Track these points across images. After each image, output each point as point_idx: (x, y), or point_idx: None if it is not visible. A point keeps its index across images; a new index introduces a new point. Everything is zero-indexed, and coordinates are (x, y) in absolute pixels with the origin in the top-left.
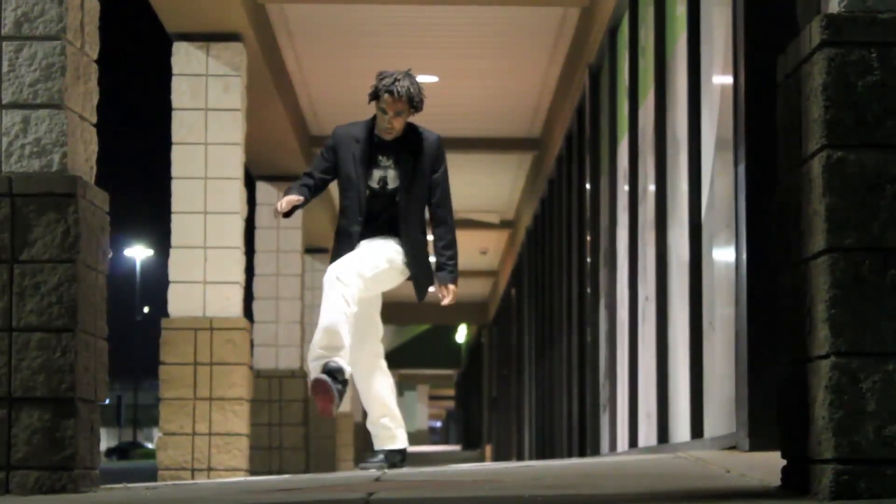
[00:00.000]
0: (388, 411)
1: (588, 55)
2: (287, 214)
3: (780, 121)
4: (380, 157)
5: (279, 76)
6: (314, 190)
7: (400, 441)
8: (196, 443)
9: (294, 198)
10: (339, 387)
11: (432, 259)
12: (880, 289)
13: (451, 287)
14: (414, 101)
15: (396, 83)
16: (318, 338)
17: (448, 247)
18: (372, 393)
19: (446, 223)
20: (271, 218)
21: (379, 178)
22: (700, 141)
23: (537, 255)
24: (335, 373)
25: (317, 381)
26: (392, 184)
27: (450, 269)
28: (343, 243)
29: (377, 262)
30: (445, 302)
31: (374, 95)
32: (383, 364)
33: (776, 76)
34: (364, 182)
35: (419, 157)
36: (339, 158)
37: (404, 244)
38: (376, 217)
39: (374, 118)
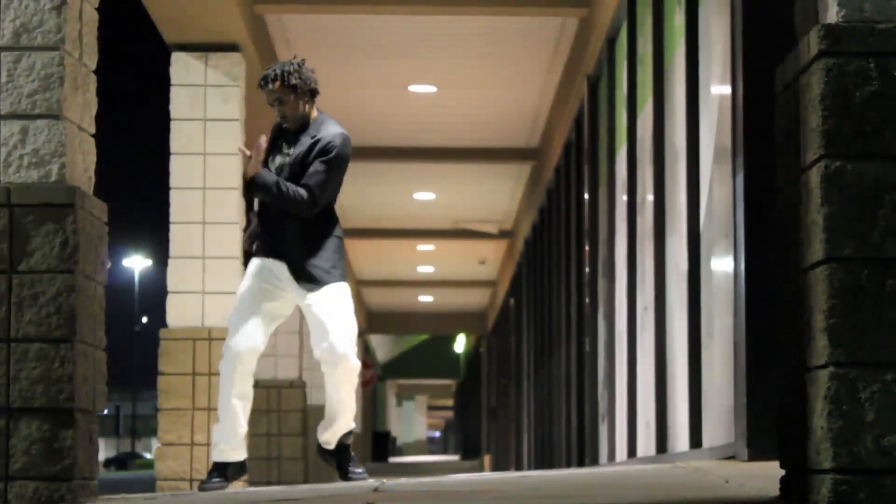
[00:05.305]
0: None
1: (586, 65)
2: None
3: (778, 131)
4: (284, 145)
5: None
6: None
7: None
8: (195, 453)
9: None
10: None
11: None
12: (879, 299)
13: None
14: (288, 82)
15: (266, 74)
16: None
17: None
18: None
19: (307, 185)
20: None
21: (279, 164)
22: (698, 151)
23: (536, 265)
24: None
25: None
26: (286, 172)
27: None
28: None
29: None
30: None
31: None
32: None
33: (774, 86)
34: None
35: (311, 147)
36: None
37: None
38: (270, 209)
39: None
